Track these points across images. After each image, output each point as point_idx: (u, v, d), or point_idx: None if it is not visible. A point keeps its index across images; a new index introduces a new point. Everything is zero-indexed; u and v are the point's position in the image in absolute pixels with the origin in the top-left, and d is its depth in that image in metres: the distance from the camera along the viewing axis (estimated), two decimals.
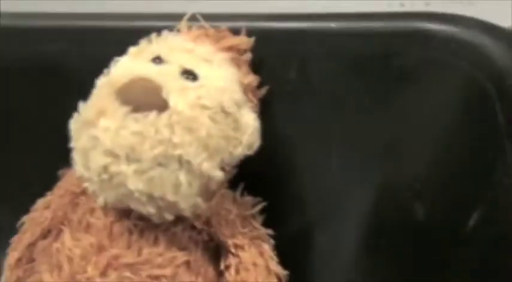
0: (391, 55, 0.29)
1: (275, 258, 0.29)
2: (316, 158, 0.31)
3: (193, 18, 0.29)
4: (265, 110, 0.29)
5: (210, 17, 0.29)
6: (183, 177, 0.25)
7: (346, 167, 0.31)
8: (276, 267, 0.29)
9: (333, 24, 0.28)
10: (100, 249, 0.27)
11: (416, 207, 0.29)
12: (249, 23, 0.29)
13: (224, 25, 0.29)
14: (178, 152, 0.25)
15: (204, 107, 0.26)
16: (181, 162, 0.25)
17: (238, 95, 0.27)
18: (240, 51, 0.29)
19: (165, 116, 0.25)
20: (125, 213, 0.28)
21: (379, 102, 0.29)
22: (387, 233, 0.31)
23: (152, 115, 0.25)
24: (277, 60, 0.30)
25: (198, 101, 0.26)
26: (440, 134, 0.28)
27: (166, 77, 0.26)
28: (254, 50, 0.29)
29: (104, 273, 0.27)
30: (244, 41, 0.29)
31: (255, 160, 0.28)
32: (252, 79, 0.29)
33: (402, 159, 0.29)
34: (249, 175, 0.29)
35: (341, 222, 0.32)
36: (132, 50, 0.28)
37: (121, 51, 0.28)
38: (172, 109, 0.25)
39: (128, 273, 0.27)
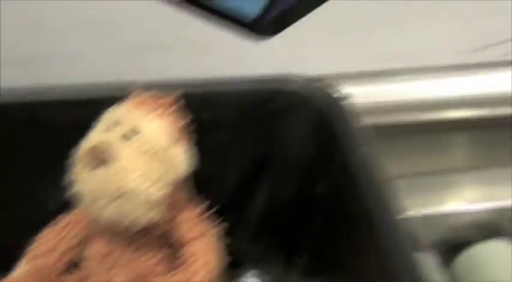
0: (267, 103, 0.43)
1: (222, 246, 0.38)
2: (223, 171, 0.44)
3: (135, 87, 0.38)
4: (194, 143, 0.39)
5: (151, 86, 0.39)
6: (137, 203, 0.34)
7: (241, 176, 0.44)
8: (223, 255, 0.37)
9: (229, 88, 0.43)
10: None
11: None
12: (178, 89, 0.39)
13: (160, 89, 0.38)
14: (129, 186, 0.33)
15: (145, 152, 0.34)
16: (133, 193, 0.34)
17: (171, 137, 0.36)
18: (170, 106, 0.37)
19: (113, 165, 0.34)
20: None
21: (262, 133, 0.44)
22: (275, 213, 0.46)
23: (104, 168, 0.34)
24: (198, 109, 0.40)
25: (139, 149, 0.34)
26: (300, 149, 0.45)
27: (115, 139, 0.34)
28: (180, 103, 0.38)
29: None
30: (172, 99, 0.37)
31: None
32: (181, 123, 0.37)
33: (277, 170, 0.45)
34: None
35: (243, 213, 0.46)
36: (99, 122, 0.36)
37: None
38: (119, 160, 0.34)
39: None
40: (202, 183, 0.40)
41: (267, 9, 0.50)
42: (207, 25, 0.51)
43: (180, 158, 0.37)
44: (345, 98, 0.43)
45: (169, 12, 0.50)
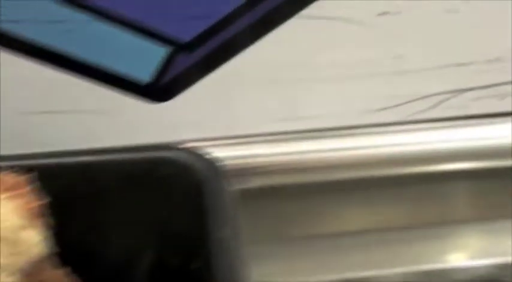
0: (147, 172, 0.43)
1: None
2: (102, 245, 0.43)
3: None
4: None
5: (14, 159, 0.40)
6: None
7: (122, 250, 0.44)
8: None
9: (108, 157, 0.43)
10: None
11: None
12: (32, 161, 0.40)
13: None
14: None
15: None
16: None
17: (22, 220, 0.35)
18: (23, 186, 0.36)
19: None
20: None
21: (143, 204, 0.43)
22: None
23: None
24: (75, 181, 0.41)
25: None
26: (182, 221, 0.43)
27: None
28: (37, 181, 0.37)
29: None
30: (24, 178, 0.36)
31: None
32: (36, 203, 0.36)
33: (160, 242, 0.44)
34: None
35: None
36: None
37: None
38: None
39: None
40: (80, 259, 0.40)
41: (160, 74, 0.49)
42: (100, 90, 0.50)
43: (33, 241, 0.36)
44: (224, 166, 0.43)
45: (58, 77, 0.49)
